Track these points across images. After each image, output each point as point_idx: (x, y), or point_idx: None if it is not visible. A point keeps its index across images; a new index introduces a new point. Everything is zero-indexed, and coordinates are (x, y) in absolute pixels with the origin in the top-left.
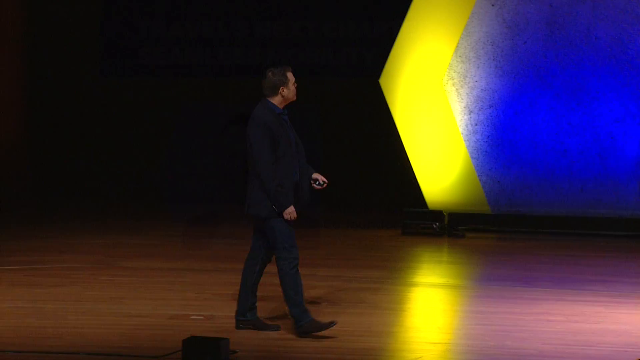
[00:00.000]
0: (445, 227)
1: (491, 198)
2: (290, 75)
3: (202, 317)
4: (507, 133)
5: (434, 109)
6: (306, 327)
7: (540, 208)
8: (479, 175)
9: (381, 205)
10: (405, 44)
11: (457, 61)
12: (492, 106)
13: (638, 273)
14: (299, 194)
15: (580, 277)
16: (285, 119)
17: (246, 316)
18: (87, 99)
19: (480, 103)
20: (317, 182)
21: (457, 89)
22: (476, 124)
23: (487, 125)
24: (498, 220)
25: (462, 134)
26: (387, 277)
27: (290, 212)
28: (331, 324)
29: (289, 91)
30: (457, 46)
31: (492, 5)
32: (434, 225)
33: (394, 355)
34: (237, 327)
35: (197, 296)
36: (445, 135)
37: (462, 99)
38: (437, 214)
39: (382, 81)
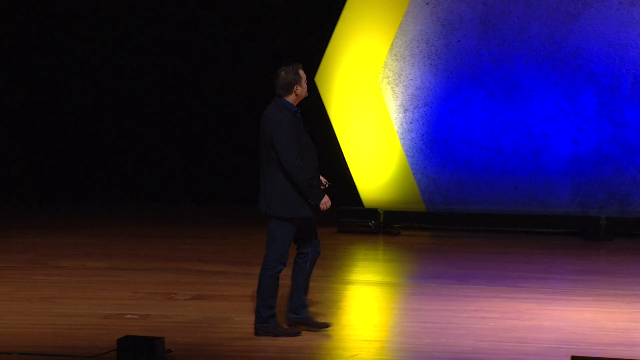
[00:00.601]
0: (381, 225)
1: (426, 196)
2: (302, 72)
3: (137, 317)
4: (442, 131)
5: (369, 107)
6: (271, 329)
7: (475, 206)
8: (414, 174)
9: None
10: (340, 42)
11: (392, 60)
12: (427, 104)
13: (571, 270)
14: None
15: (514, 274)
16: (299, 117)
17: (299, 314)
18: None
19: (415, 101)
20: (321, 183)
21: (392, 88)
22: (411, 122)
23: (422, 124)
24: (433, 218)
25: (397, 132)
26: (323, 275)
27: (325, 201)
28: (297, 332)
29: (302, 89)
30: (391, 45)
31: (427, 4)
32: (370, 224)
33: (330, 352)
34: (289, 324)
35: (131, 295)
36: (380, 134)
37: (397, 97)
38: (372, 212)
39: (318, 79)
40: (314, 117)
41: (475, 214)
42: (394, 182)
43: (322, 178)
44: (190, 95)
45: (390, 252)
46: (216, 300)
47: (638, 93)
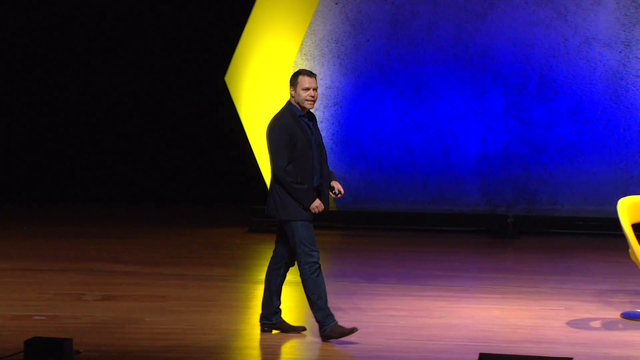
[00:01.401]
0: None
1: None
2: (301, 79)
3: (45, 318)
4: (352, 130)
5: (280, 106)
6: (329, 331)
7: (385, 204)
8: None
9: (228, 203)
10: (250, 41)
11: (301, 59)
12: (337, 104)
13: (479, 268)
14: (320, 199)
15: (423, 273)
16: (305, 121)
17: (271, 320)
18: None
19: (325, 101)
20: (334, 191)
21: None
22: (321, 122)
23: (332, 123)
24: (343, 217)
25: None
26: (233, 274)
27: (316, 205)
28: (353, 330)
29: (297, 95)
30: (301, 44)
31: (336, 3)
32: None
33: (239, 353)
34: (262, 330)
35: (40, 296)
36: None
37: None
38: None
39: (228, 79)
40: (224, 116)
41: (386, 212)
42: None
43: (337, 185)
44: (106, 95)
45: None
46: (125, 301)
47: (545, 92)
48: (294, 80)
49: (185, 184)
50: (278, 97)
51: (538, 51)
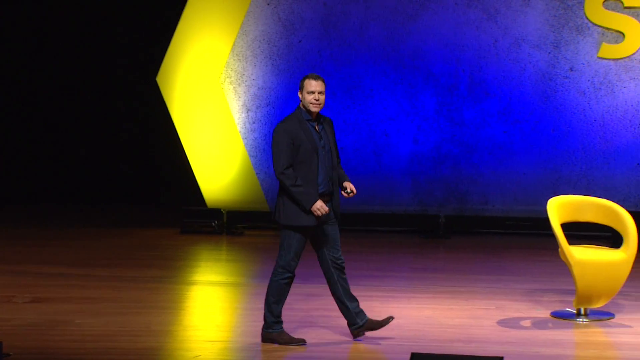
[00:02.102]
0: (224, 225)
1: (269, 196)
2: (307, 82)
3: None
4: None
5: (212, 107)
6: (275, 335)
7: None
8: (257, 173)
9: (160, 204)
10: (182, 42)
11: (234, 59)
12: (270, 104)
13: (411, 267)
14: (331, 203)
15: (355, 273)
16: (312, 125)
17: (358, 323)
18: None
19: (258, 101)
20: (346, 190)
21: (234, 88)
22: (254, 122)
23: (265, 124)
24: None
25: (240, 132)
26: (166, 276)
27: (318, 207)
28: (300, 341)
29: (303, 98)
30: (233, 44)
31: (268, 4)
32: (213, 224)
33: (172, 354)
34: (357, 336)
35: None
36: (223, 134)
37: (240, 97)
38: (215, 212)
39: (159, 79)
40: (156, 117)
41: None
42: (237, 182)
43: (349, 185)
44: (36, 95)
45: (233, 252)
46: (56, 303)
47: (476, 93)
48: (301, 84)
49: (116, 184)
50: (210, 98)
51: (469, 52)
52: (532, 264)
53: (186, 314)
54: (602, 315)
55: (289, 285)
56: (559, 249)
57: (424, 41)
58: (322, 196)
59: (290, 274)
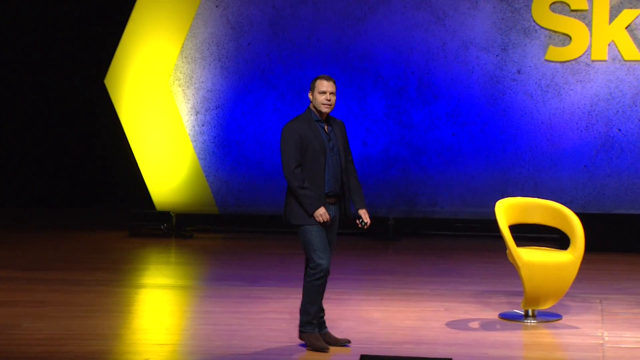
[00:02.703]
0: (173, 228)
1: (219, 198)
2: (319, 82)
3: None
4: (234, 133)
5: (161, 110)
6: (305, 337)
7: (267, 207)
8: (206, 176)
9: (108, 207)
10: (130, 44)
11: (182, 62)
12: (219, 107)
13: (360, 270)
14: (339, 205)
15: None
16: (322, 126)
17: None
18: None
19: (207, 104)
20: (360, 220)
21: (183, 90)
22: (203, 125)
23: (214, 126)
24: (225, 220)
25: (189, 134)
26: (114, 279)
27: (321, 213)
28: (324, 348)
29: (314, 99)
30: (182, 47)
31: (217, 6)
32: (162, 226)
33: (121, 357)
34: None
35: None
36: (172, 136)
37: (189, 99)
38: (164, 215)
39: (107, 82)
40: (105, 119)
41: (268, 215)
42: (186, 184)
43: (364, 216)
44: None
45: (182, 255)
46: (2, 307)
47: (424, 95)
48: (312, 84)
49: (65, 187)
50: (159, 100)
51: (417, 55)
52: (481, 265)
53: (135, 317)
54: (550, 317)
55: (323, 286)
56: (507, 251)
57: (372, 44)
58: (328, 197)
59: (322, 274)
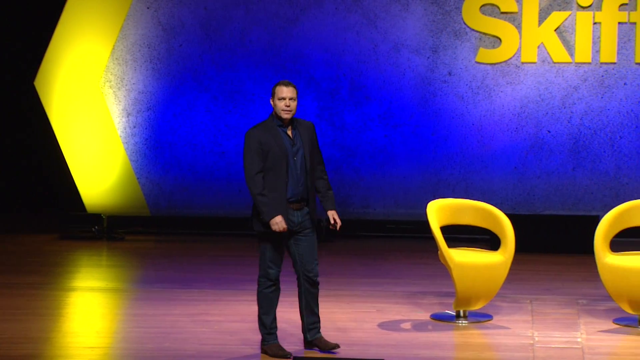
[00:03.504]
0: (105, 230)
1: (150, 200)
2: (278, 89)
3: None
4: (166, 135)
5: (92, 111)
6: (265, 348)
7: (200, 209)
8: (138, 178)
9: (38, 209)
10: (61, 45)
11: (113, 63)
12: (150, 109)
13: (293, 271)
14: (304, 211)
15: (237, 277)
16: (284, 130)
17: (307, 337)
18: None
19: (139, 105)
20: (330, 223)
21: (114, 92)
22: (134, 127)
23: (146, 128)
24: (157, 222)
25: (121, 136)
26: (45, 282)
27: (277, 222)
28: (287, 355)
29: (274, 105)
30: (113, 48)
31: (148, 7)
32: (93, 229)
33: None
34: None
35: None
36: (103, 138)
37: (120, 101)
38: (95, 217)
39: (37, 83)
40: (35, 121)
41: (200, 217)
42: (117, 186)
43: (331, 214)
44: None
45: (114, 258)
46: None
47: (357, 97)
48: (273, 90)
49: None
50: (90, 102)
51: (349, 56)
52: (412, 266)
53: (65, 321)
54: (481, 317)
55: (275, 294)
56: (439, 252)
57: (304, 46)
58: (292, 203)
59: (271, 283)
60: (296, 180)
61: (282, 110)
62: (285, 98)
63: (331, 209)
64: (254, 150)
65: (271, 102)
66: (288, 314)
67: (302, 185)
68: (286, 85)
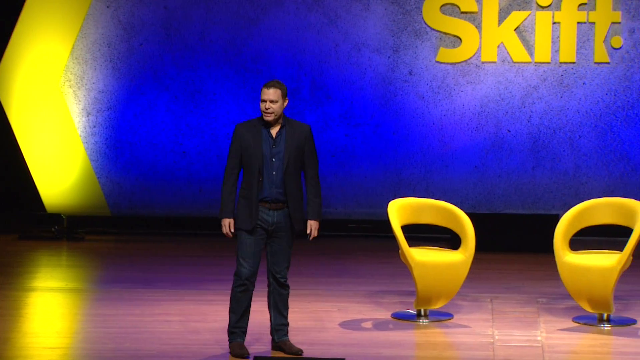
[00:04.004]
0: (65, 230)
1: (111, 200)
2: (262, 90)
3: None
4: (126, 135)
5: (52, 111)
6: (229, 346)
7: (161, 209)
8: (98, 178)
9: None
10: (20, 45)
11: (73, 63)
12: (111, 108)
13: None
14: (283, 213)
15: (199, 277)
16: (267, 131)
17: (274, 338)
18: None
19: (99, 105)
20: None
21: (74, 91)
22: (94, 126)
23: (106, 127)
24: (118, 222)
25: (81, 136)
26: (3, 282)
27: (224, 224)
28: (244, 355)
29: (262, 107)
30: (73, 48)
31: (107, 6)
32: (53, 229)
33: None
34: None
35: None
36: (63, 138)
37: (80, 101)
38: (55, 217)
39: None
40: None
41: (161, 217)
42: (77, 186)
43: (310, 224)
44: None
45: (74, 258)
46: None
47: (318, 97)
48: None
49: None
50: (49, 102)
51: (310, 56)
52: (374, 266)
53: (25, 321)
54: (442, 316)
55: (244, 294)
56: (400, 251)
57: (265, 45)
58: (267, 202)
59: (241, 282)
60: (272, 181)
61: (263, 112)
62: (265, 100)
63: (312, 219)
64: (234, 145)
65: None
66: (266, 314)
67: (278, 187)
68: (267, 87)
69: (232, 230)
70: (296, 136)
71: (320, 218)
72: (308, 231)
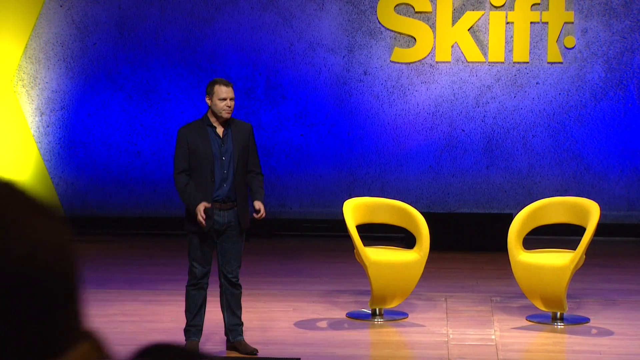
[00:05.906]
0: None
1: (65, 200)
2: (218, 88)
3: None
4: (80, 135)
5: (5, 111)
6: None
7: (115, 209)
8: (52, 178)
9: None
10: None
11: (26, 62)
12: (64, 108)
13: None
14: (233, 212)
15: (155, 277)
16: (214, 131)
17: (229, 339)
18: None
19: (52, 105)
20: (256, 211)
21: (27, 91)
22: (48, 126)
23: (60, 127)
24: (72, 222)
25: (34, 136)
26: None
27: (200, 209)
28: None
29: (213, 104)
30: (26, 47)
31: (61, 6)
32: None
33: None
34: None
35: None
36: (16, 138)
37: (33, 100)
38: None
39: None
40: None
41: (116, 217)
42: (31, 186)
43: (256, 204)
44: None
45: None
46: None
47: (272, 96)
48: (210, 89)
49: None
50: (2, 101)
51: (265, 55)
52: (329, 265)
53: None
54: (396, 315)
55: (198, 292)
56: (355, 250)
57: (220, 45)
58: (217, 203)
59: (195, 281)
60: (222, 181)
61: (223, 110)
62: (226, 99)
63: (258, 200)
64: (180, 149)
65: (207, 101)
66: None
67: (228, 186)
68: (226, 85)
69: (204, 216)
70: (241, 134)
71: (264, 203)
72: (257, 207)
